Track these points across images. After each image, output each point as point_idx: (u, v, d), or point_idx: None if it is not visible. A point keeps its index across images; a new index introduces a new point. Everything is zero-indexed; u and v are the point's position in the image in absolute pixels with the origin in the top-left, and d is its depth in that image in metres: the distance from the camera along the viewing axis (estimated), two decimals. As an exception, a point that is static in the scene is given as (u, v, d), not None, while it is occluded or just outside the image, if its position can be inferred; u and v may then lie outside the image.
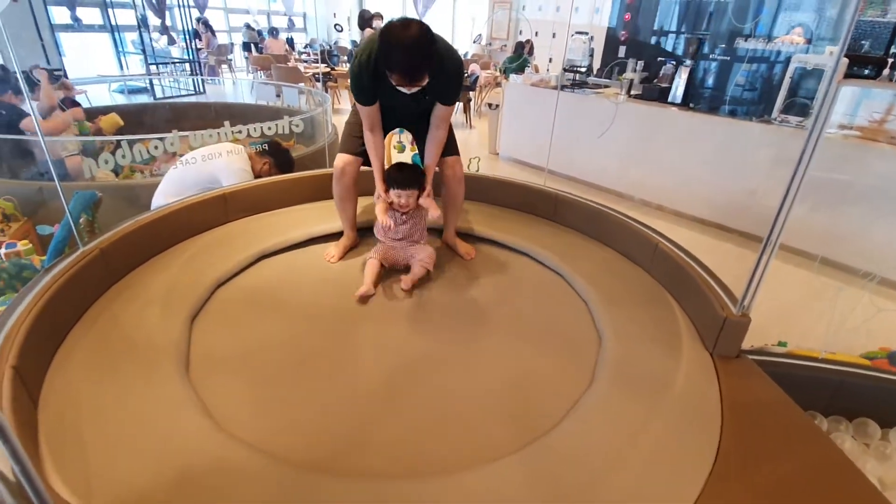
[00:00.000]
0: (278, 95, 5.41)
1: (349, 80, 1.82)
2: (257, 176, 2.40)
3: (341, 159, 1.93)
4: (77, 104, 3.65)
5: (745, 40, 4.15)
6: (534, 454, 1.11)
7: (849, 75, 3.25)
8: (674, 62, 4.57)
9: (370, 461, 1.14)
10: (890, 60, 3.04)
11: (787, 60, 3.51)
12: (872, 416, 1.43)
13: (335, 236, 2.19)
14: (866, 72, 3.37)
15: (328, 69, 7.73)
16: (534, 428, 1.21)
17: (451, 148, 1.96)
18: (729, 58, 3.83)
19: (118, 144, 1.77)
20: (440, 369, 1.46)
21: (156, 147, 1.90)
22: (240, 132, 2.17)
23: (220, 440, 1.11)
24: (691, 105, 4.00)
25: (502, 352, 1.54)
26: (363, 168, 1.97)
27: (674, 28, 7.20)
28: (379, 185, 1.87)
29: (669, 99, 4.15)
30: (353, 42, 6.96)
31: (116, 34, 9.53)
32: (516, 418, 1.27)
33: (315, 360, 1.46)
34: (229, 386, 1.34)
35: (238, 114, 2.33)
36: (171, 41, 9.38)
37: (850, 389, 1.43)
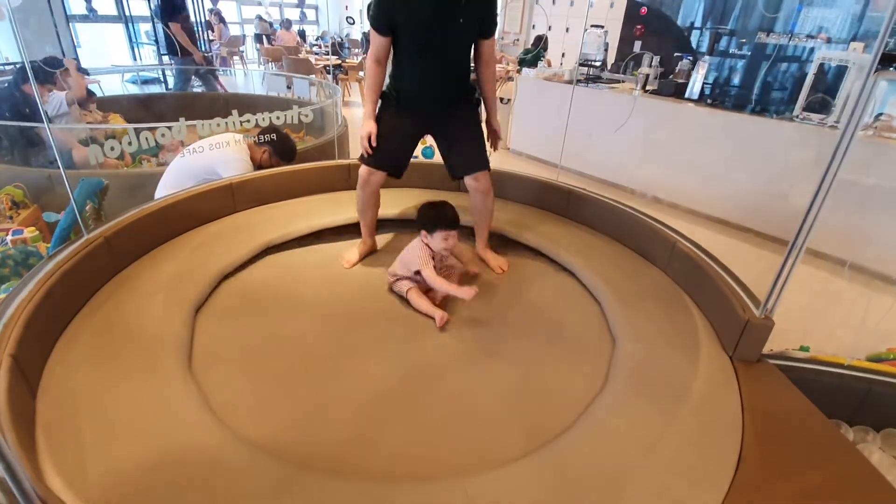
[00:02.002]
0: (289, 87, 5.37)
1: (369, 5, 1.73)
2: (258, 165, 2.36)
3: (366, 169, 1.87)
4: (92, 94, 3.67)
5: (767, 35, 4.03)
6: (543, 459, 1.07)
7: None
8: (691, 57, 4.46)
9: (374, 463, 1.10)
10: (919, 56, 2.92)
11: (811, 57, 3.41)
12: (902, 428, 1.36)
13: (341, 229, 2.16)
14: (892, 68, 3.26)
15: (339, 61, 7.69)
16: (544, 432, 1.17)
17: (477, 161, 1.87)
18: (750, 53, 3.73)
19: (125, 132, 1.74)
20: (448, 370, 1.42)
21: (162, 135, 1.87)
22: (248, 121, 2.13)
23: (221, 436, 1.07)
24: (709, 101, 3.90)
25: (512, 353, 1.50)
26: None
27: (696, 22, 7.04)
28: (367, 121, 1.79)
29: (686, 95, 4.05)
30: (364, 34, 6.90)
31: (130, 25, 9.56)
32: (526, 421, 1.23)
33: (320, 359, 1.43)
34: (232, 381, 1.31)
35: (248, 104, 2.29)
36: (184, 32, 9.39)
37: (879, 398, 1.36)
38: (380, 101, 1.81)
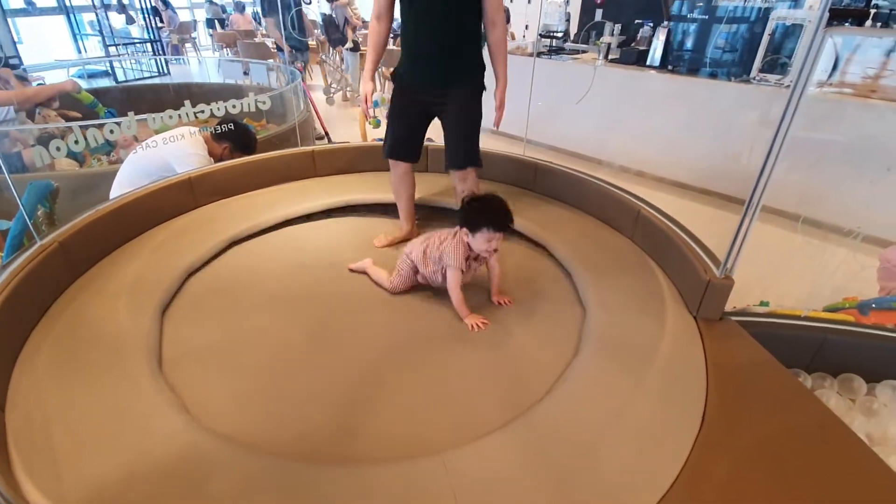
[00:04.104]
0: (246, 73, 5.20)
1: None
2: (218, 158, 2.28)
3: (390, 161, 1.89)
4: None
5: (722, -2, 4.06)
6: (519, 429, 1.10)
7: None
8: (651, 24, 4.47)
9: (358, 448, 1.11)
10: (872, 12, 3.00)
11: (766, 18, 3.45)
12: (857, 372, 1.44)
13: (311, 217, 2.12)
14: (847, 24, 3.32)
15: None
16: (519, 403, 1.20)
17: (456, 157, 1.80)
18: (707, 17, 3.75)
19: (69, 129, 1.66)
20: (425, 350, 1.43)
21: (111, 131, 1.79)
22: (202, 112, 2.05)
23: (198, 434, 1.07)
24: (669, 67, 3.93)
25: (486, 328, 1.51)
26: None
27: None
28: (366, 82, 1.78)
29: (648, 62, 4.07)
30: (322, 15, 6.67)
31: (72, 16, 9.02)
32: (502, 394, 1.26)
33: (296, 348, 1.42)
34: (206, 378, 1.29)
35: (200, 94, 2.20)
36: (130, 20, 8.92)
37: (834, 346, 1.43)
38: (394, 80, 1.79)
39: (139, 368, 1.24)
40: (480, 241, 1.47)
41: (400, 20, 1.74)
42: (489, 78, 1.81)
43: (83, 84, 3.59)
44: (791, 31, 3.41)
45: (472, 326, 1.50)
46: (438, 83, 1.73)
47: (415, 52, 1.72)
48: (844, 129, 3.00)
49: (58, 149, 1.61)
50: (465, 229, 1.50)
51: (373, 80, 1.81)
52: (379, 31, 1.76)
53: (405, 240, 1.97)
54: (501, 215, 1.46)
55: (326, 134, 4.33)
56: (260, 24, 9.79)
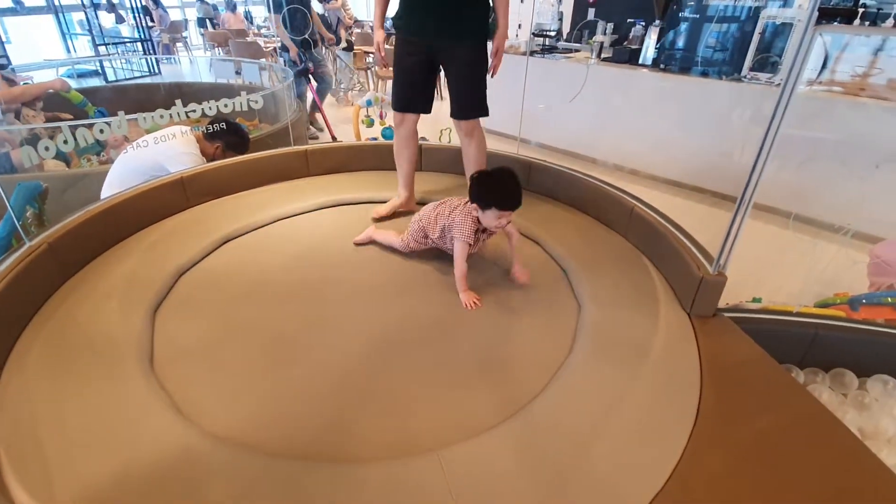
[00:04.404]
0: (238, 73, 5.16)
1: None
2: (210, 158, 2.26)
3: (396, 116, 1.87)
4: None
5: (714, -3, 4.08)
6: (514, 426, 1.10)
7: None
8: (643, 23, 4.49)
9: (351, 445, 1.10)
10: (860, 11, 3.03)
11: (756, 17, 3.48)
12: (848, 367, 1.46)
13: (304, 216, 2.11)
14: (836, 23, 3.37)
15: (290, 43, 7.41)
16: (516, 399, 1.20)
17: (460, 107, 1.79)
18: (698, 16, 3.78)
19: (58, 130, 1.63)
20: (418, 346, 1.42)
21: (101, 131, 1.76)
22: (193, 111, 2.03)
23: (191, 434, 1.06)
24: (662, 66, 3.95)
25: (481, 324, 1.51)
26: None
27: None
28: (377, 30, 1.79)
29: (640, 61, 4.09)
30: (318, 15, 6.65)
31: (61, 15, 8.93)
32: (497, 390, 1.25)
33: (287, 345, 1.41)
34: (198, 377, 1.28)
35: (191, 93, 2.18)
36: (120, 19, 8.84)
37: (826, 341, 1.45)
38: (393, 28, 1.80)
39: (130, 369, 1.23)
40: (490, 217, 1.46)
41: None
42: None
43: (73, 84, 3.55)
44: (781, 31, 3.44)
45: (466, 304, 1.51)
46: (441, 34, 1.70)
47: (417, 3, 1.69)
48: (834, 127, 3.03)
49: (46, 149, 1.59)
50: (474, 205, 1.48)
51: (382, 27, 1.82)
52: None
53: (404, 209, 1.95)
54: (512, 196, 1.44)
55: (332, 134, 4.30)
56: (251, 23, 9.73)
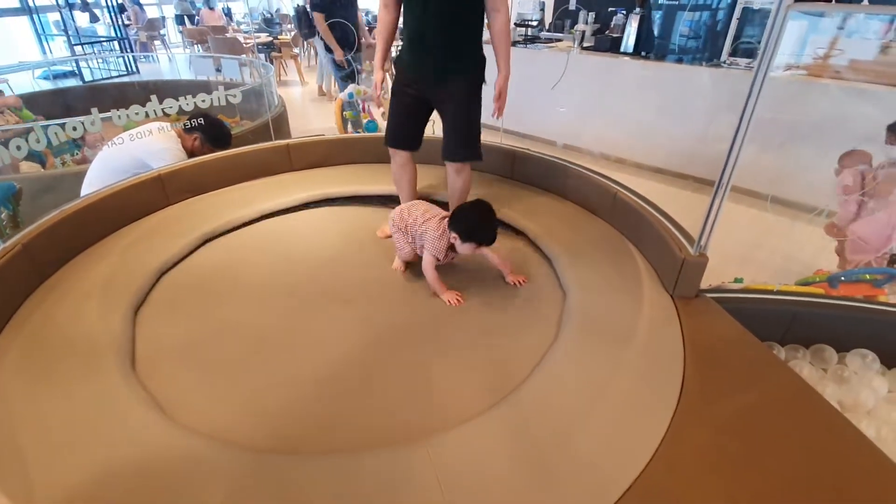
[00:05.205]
0: (218, 70, 5.08)
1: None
2: (190, 154, 2.23)
3: (389, 148, 1.88)
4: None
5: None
6: (500, 414, 1.10)
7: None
8: (624, 11, 4.50)
9: (340, 439, 1.10)
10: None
11: (734, 3, 3.50)
12: (828, 342, 1.48)
13: (287, 212, 2.09)
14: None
15: (270, 38, 7.31)
16: (502, 387, 1.20)
17: (449, 148, 1.77)
18: (677, 2, 3.80)
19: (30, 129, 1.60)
20: (405, 338, 1.42)
21: (74, 129, 1.72)
22: (170, 107, 1.99)
23: (174, 434, 1.04)
24: (643, 54, 3.97)
25: (467, 316, 1.51)
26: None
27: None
28: (377, 71, 1.80)
29: (622, 49, 4.10)
30: (296, 8, 6.56)
31: (35, 16, 8.70)
32: (484, 379, 1.25)
33: (270, 342, 1.40)
34: (180, 376, 1.26)
35: (168, 90, 2.13)
36: (94, 18, 8.65)
37: (806, 318, 1.47)
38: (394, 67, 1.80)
39: (111, 369, 1.21)
40: (467, 248, 1.54)
41: (403, 8, 1.71)
42: (490, 71, 1.77)
43: (48, 86, 3.48)
44: (755, 16, 3.47)
45: (449, 301, 1.55)
46: (437, 74, 1.69)
47: (415, 41, 1.68)
48: (810, 111, 3.07)
49: (18, 148, 1.55)
50: (454, 234, 1.53)
51: (383, 68, 1.82)
52: (386, 20, 1.74)
53: None
54: (489, 233, 1.52)
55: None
56: (231, 19, 9.59)
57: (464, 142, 1.78)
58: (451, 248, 1.58)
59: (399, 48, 1.79)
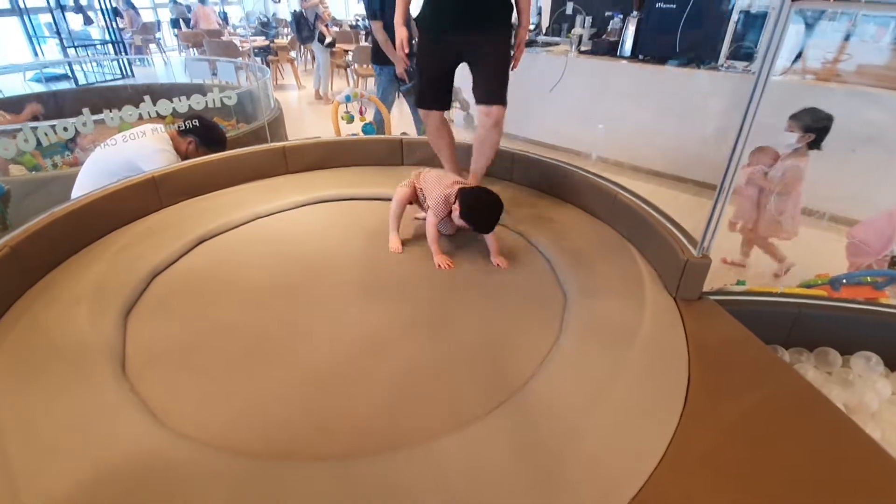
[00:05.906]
0: (214, 73, 5.05)
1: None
2: (184, 156, 2.20)
3: (422, 112, 1.95)
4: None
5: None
6: (502, 416, 1.07)
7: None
8: (621, 15, 4.51)
9: (337, 444, 1.06)
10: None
11: (732, 6, 3.51)
12: (831, 345, 1.46)
13: (283, 214, 2.06)
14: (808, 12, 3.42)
15: (267, 42, 7.30)
16: (504, 389, 1.17)
17: (487, 93, 1.80)
18: (674, 6, 3.80)
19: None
20: (403, 340, 1.39)
21: (65, 129, 1.69)
22: (164, 109, 1.96)
23: (166, 439, 1.01)
24: (640, 57, 3.97)
25: (466, 316, 1.49)
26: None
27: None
28: (399, 27, 1.81)
29: (619, 52, 4.11)
30: (294, 13, 6.56)
31: (27, 17, 8.66)
32: (486, 381, 1.23)
33: (265, 344, 1.36)
34: (172, 381, 1.23)
35: (162, 93, 2.10)
36: (88, 21, 8.61)
37: (809, 321, 1.45)
38: (417, 26, 1.83)
39: (101, 374, 1.17)
40: (461, 223, 1.64)
41: None
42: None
43: (41, 88, 3.44)
44: (755, 20, 3.48)
45: (439, 264, 1.66)
46: (474, 27, 1.75)
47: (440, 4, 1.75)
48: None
49: (5, 149, 1.52)
50: (456, 204, 1.62)
51: (405, 24, 1.84)
52: None
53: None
54: (485, 223, 1.63)
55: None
56: (227, 22, 9.58)
57: (503, 83, 1.82)
58: (449, 213, 1.66)
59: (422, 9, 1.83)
